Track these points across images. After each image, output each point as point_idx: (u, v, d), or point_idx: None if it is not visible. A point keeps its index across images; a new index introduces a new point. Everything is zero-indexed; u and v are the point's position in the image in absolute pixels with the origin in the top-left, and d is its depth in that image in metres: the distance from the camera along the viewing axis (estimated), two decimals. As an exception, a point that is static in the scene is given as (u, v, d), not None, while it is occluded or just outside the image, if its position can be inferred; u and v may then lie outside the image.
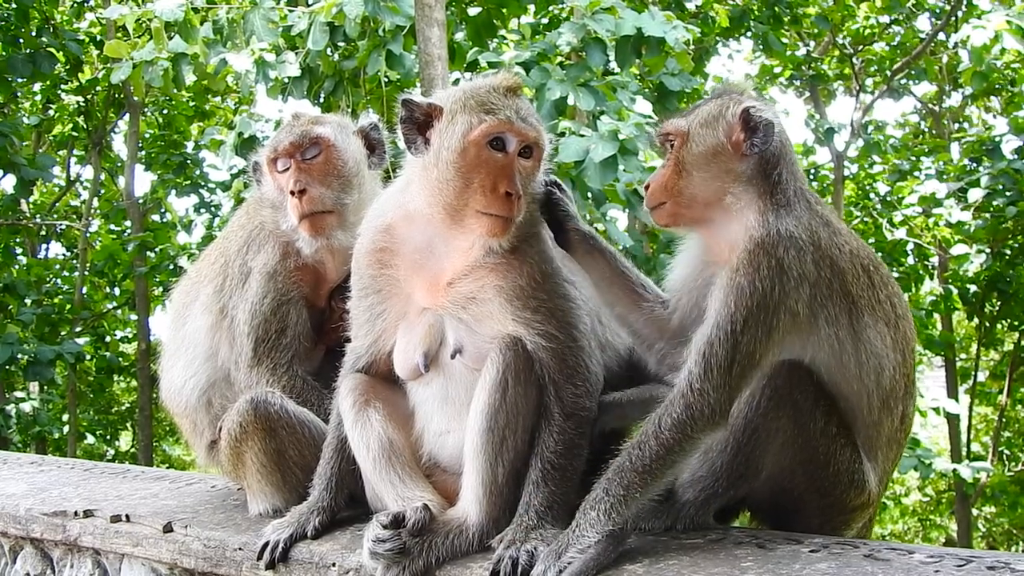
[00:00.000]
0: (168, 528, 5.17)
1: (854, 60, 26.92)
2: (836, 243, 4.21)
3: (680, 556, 3.84)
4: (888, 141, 27.58)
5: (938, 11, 26.17)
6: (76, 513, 5.62)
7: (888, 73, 26.19)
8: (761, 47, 21.82)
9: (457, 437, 4.40)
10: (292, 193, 5.22)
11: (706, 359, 3.96)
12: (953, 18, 24.27)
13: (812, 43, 26.93)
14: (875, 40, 27.36)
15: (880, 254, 22.91)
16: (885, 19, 27.01)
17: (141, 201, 26.06)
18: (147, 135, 26.90)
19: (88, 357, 25.97)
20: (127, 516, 5.42)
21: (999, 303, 25.03)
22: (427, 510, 4.21)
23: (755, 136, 4.25)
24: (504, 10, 16.77)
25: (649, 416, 4.01)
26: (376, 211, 4.69)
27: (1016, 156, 21.24)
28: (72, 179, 29.86)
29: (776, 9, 20.50)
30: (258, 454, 5.02)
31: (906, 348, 4.31)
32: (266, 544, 4.61)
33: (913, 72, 26.14)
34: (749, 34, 21.88)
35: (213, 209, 23.71)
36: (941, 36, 25.77)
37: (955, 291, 23.60)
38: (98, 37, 24.14)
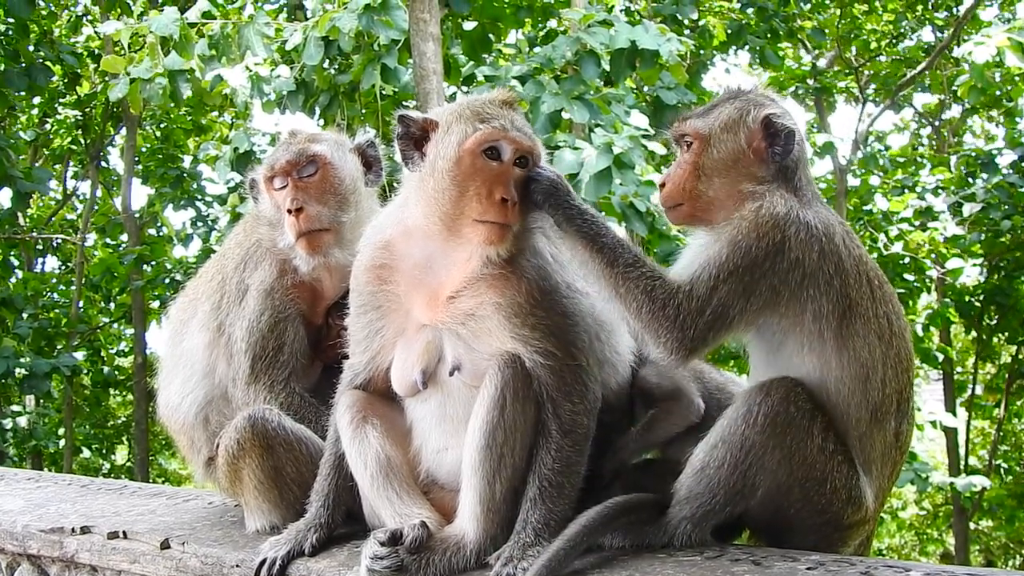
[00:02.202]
0: (165, 545, 5.16)
1: (859, 73, 27.00)
2: (847, 244, 4.24)
3: (677, 573, 3.84)
4: (887, 153, 27.67)
5: (942, 24, 26.25)
6: (73, 529, 5.61)
7: (893, 88, 26.25)
8: (758, 61, 21.85)
9: (455, 454, 4.40)
10: (289, 211, 5.23)
11: (692, 283, 4.10)
12: (958, 32, 24.34)
13: (816, 53, 26.98)
14: (881, 53, 27.42)
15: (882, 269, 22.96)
16: (892, 30, 27.10)
17: (138, 215, 26.05)
18: (144, 149, 26.90)
19: (84, 371, 25.94)
20: (124, 533, 5.41)
21: (996, 316, 25.07)
22: (425, 527, 4.21)
23: (776, 143, 4.32)
24: (500, 24, 16.80)
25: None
26: (375, 228, 4.70)
27: (1011, 170, 21.29)
28: (69, 193, 29.86)
29: (773, 23, 20.56)
30: (255, 471, 5.01)
31: (898, 367, 4.28)
32: (263, 561, 4.59)
33: (917, 86, 26.23)
34: (746, 48, 21.92)
35: (210, 223, 23.71)
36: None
37: (951, 304, 23.62)
38: (96, 51, 24.19)
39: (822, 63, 27.34)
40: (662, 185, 4.57)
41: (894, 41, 27.53)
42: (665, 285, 4.11)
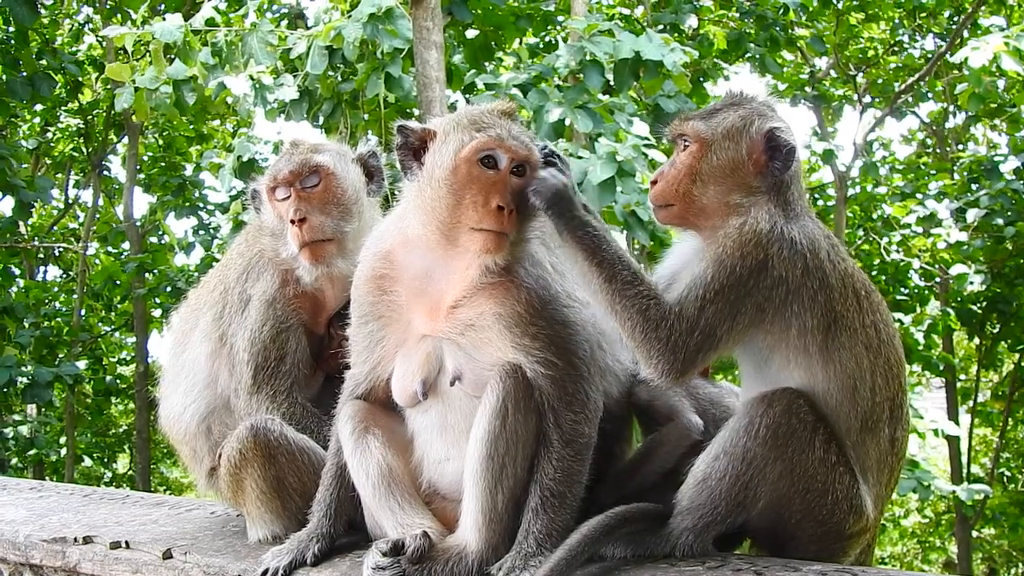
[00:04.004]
0: (168, 555, 5.15)
1: (858, 80, 27.00)
2: (832, 259, 4.25)
3: (679, 583, 3.85)
4: (891, 161, 27.68)
5: (940, 32, 26.25)
6: (76, 539, 5.60)
7: (892, 94, 26.26)
8: (758, 69, 21.85)
9: (456, 464, 4.40)
10: (292, 222, 5.24)
11: (681, 304, 4.09)
12: (959, 39, 24.35)
13: (817, 62, 26.97)
14: (878, 62, 27.43)
15: (884, 276, 23.00)
16: (890, 38, 27.11)
17: (139, 223, 26.07)
18: (146, 157, 26.93)
19: (86, 380, 25.92)
20: (127, 543, 5.40)
21: (999, 324, 25.05)
22: (427, 537, 4.21)
23: (776, 157, 4.31)
24: (502, 33, 16.82)
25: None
26: (375, 238, 4.70)
27: (1015, 176, 21.27)
28: (70, 201, 29.86)
29: (772, 31, 20.57)
30: (258, 481, 5.01)
31: (888, 374, 4.30)
32: (265, 571, 4.59)
33: (916, 92, 26.22)
34: (746, 56, 21.91)
35: (212, 231, 23.72)
36: (947, 56, 25.84)
37: (952, 312, 23.60)
38: (98, 59, 24.22)
39: (820, 66, 27.34)
40: (654, 182, 4.56)
41: (892, 49, 27.52)
42: (660, 306, 4.11)
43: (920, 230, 24.14)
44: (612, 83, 13.90)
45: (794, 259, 4.12)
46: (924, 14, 25.92)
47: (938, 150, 30.05)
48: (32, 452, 24.27)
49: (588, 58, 13.51)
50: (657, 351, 4.08)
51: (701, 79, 20.46)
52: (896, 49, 27.51)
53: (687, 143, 4.49)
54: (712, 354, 4.16)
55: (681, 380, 4.18)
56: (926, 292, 25.05)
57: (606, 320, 4.38)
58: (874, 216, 26.29)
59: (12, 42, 20.78)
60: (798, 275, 4.12)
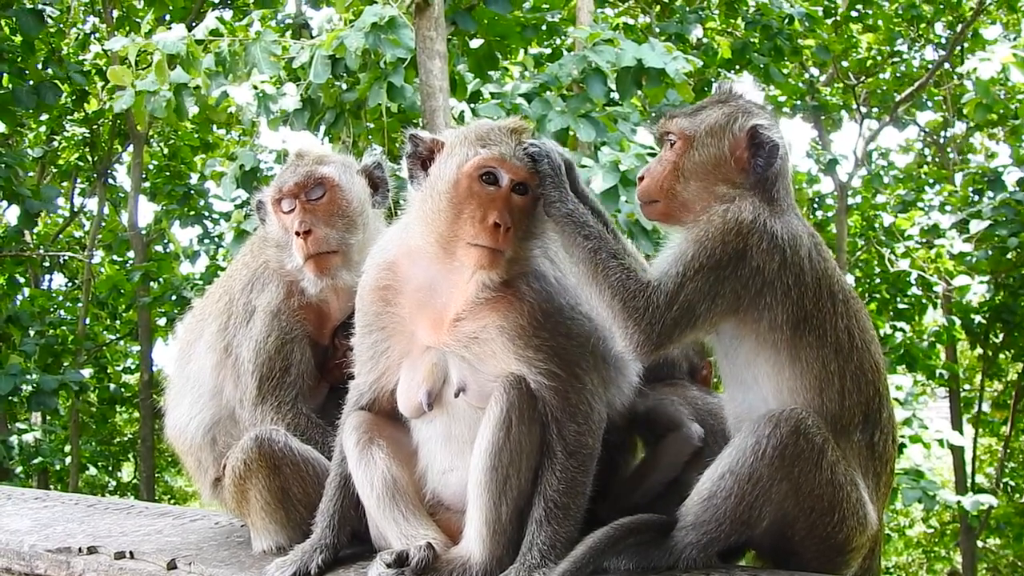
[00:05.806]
0: (172, 565, 5.14)
1: (856, 90, 27.00)
2: (812, 258, 4.25)
3: (683, 595, 3.84)
4: (891, 171, 27.67)
5: (943, 41, 26.27)
6: (80, 549, 5.59)
7: (891, 103, 26.25)
8: (762, 78, 21.86)
9: (460, 475, 4.40)
10: (297, 234, 5.25)
11: (661, 278, 4.12)
12: (959, 47, 24.35)
13: (817, 71, 26.96)
14: (877, 70, 27.43)
15: (884, 285, 22.98)
16: (888, 48, 27.12)
17: (144, 232, 26.09)
18: (151, 166, 26.95)
19: (91, 388, 25.91)
20: (131, 553, 5.39)
21: (1003, 333, 25.05)
22: (431, 548, 4.22)
23: (759, 154, 4.33)
24: (506, 42, 16.82)
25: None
26: (379, 248, 4.72)
27: (1018, 188, 21.28)
28: (76, 210, 29.90)
29: (777, 41, 20.57)
30: (262, 491, 5.02)
31: (861, 379, 4.29)
32: (269, 582, 4.60)
33: (916, 102, 26.23)
34: (750, 65, 21.91)
35: (217, 240, 23.73)
36: (946, 65, 25.83)
37: (958, 322, 23.60)
38: (104, 68, 24.24)
39: (817, 75, 27.34)
40: (640, 179, 4.60)
41: (891, 58, 27.52)
42: (639, 279, 4.13)
43: (924, 240, 24.13)
44: (616, 92, 13.90)
45: (773, 252, 4.13)
46: (923, 24, 25.94)
47: (937, 158, 30.06)
48: (37, 460, 24.26)
49: (591, 67, 13.52)
50: (634, 321, 4.09)
51: (705, 88, 20.48)
52: (895, 59, 27.52)
53: (673, 140, 4.51)
54: (689, 332, 4.17)
55: (655, 354, 4.17)
56: (923, 301, 25.06)
57: (584, 291, 4.36)
58: (875, 226, 26.28)
59: (18, 51, 20.81)
60: (775, 268, 4.13)
